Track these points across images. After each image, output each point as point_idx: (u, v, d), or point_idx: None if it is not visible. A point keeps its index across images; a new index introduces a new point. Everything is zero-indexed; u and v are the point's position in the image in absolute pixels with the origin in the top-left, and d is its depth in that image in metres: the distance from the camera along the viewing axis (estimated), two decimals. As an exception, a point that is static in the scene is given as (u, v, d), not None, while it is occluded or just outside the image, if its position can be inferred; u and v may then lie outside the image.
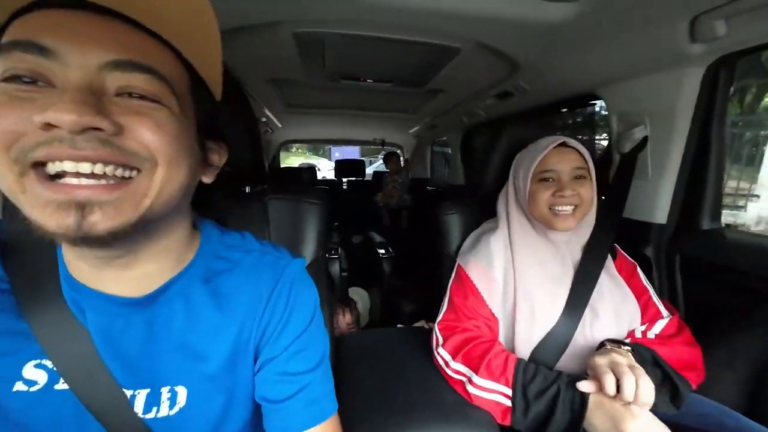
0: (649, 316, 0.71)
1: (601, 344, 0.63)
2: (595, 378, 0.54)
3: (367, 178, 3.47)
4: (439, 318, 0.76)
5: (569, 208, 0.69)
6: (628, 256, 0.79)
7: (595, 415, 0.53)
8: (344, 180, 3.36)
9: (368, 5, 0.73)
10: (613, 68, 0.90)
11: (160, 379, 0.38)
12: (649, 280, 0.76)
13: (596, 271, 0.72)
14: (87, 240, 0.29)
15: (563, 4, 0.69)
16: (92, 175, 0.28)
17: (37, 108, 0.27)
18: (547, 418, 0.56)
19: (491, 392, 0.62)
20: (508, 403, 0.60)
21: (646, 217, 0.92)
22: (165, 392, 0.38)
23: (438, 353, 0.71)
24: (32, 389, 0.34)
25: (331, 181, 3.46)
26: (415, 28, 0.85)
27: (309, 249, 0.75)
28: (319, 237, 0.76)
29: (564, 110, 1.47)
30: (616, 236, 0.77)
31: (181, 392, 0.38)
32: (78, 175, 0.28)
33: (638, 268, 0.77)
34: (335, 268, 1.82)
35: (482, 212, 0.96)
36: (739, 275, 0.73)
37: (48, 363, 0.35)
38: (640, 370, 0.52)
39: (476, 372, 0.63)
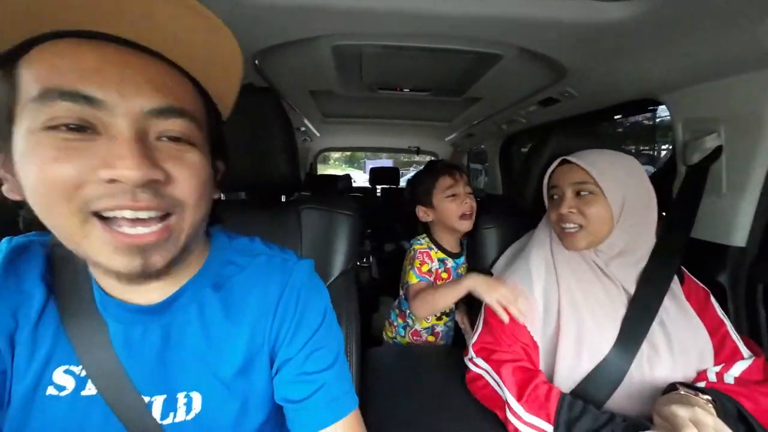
0: (725, 355, 0.61)
1: (672, 386, 0.54)
2: (666, 430, 0.47)
3: (401, 185, 3.46)
4: (474, 339, 0.71)
5: (573, 227, 0.66)
6: (699, 282, 0.69)
7: None
8: (378, 188, 3.38)
9: (406, 16, 0.72)
10: (680, 71, 0.80)
11: (175, 386, 0.39)
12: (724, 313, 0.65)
13: (656, 300, 0.63)
14: (146, 275, 0.33)
15: (624, 3, 0.63)
16: (141, 221, 0.31)
17: (95, 160, 0.28)
18: None
19: (528, 426, 0.56)
20: None
21: (721, 238, 0.80)
22: (181, 398, 0.39)
23: (475, 364, 0.67)
24: (62, 394, 0.36)
25: (365, 188, 3.50)
26: (454, 36, 0.82)
27: (340, 260, 0.75)
28: (350, 248, 0.76)
29: (617, 117, 1.35)
30: (682, 258, 0.68)
31: (196, 398, 0.39)
32: (134, 221, 0.31)
33: (711, 297, 0.66)
34: (366, 275, 1.82)
35: (521, 226, 0.90)
36: None
37: (75, 369, 0.37)
38: None
39: (518, 399, 0.58)
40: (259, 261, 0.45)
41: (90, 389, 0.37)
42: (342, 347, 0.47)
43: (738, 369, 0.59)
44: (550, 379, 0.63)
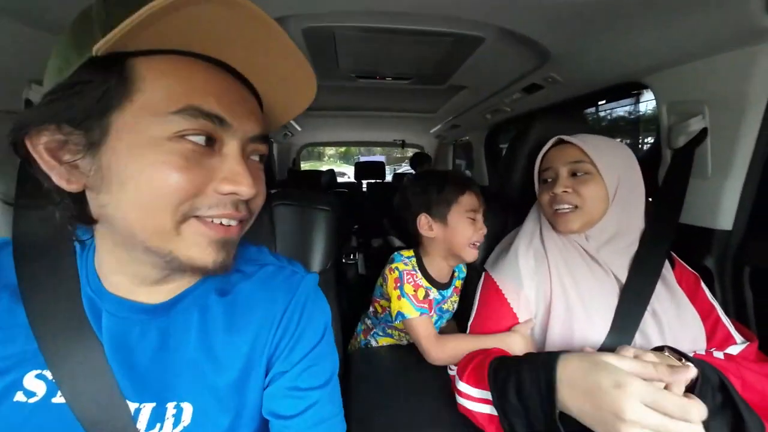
0: (717, 341, 0.59)
1: (659, 349, 0.51)
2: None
3: (388, 180, 3.42)
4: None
5: (567, 208, 0.63)
6: (688, 267, 0.68)
7: (573, 396, 0.41)
8: (364, 183, 3.32)
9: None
10: (665, 52, 0.78)
11: (167, 394, 0.37)
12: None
13: (648, 287, 0.61)
14: (223, 268, 0.35)
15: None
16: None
17: (212, 173, 0.33)
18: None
19: (479, 401, 0.53)
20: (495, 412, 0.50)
21: (707, 222, 0.79)
22: (171, 408, 0.37)
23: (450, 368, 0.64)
24: (31, 401, 0.34)
25: (350, 183, 3.44)
26: (433, 16, 0.78)
27: (316, 260, 0.70)
28: (328, 246, 0.71)
29: (601, 102, 1.33)
30: (671, 243, 0.66)
31: (187, 409, 0.37)
32: (228, 226, 0.35)
33: (702, 282, 0.65)
34: (352, 272, 1.78)
35: (507, 216, 0.87)
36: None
37: (48, 374, 0.34)
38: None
39: (460, 377, 0.56)
40: (266, 271, 0.45)
41: (61, 396, 0.34)
42: (336, 370, 0.45)
43: (732, 351, 0.58)
44: None
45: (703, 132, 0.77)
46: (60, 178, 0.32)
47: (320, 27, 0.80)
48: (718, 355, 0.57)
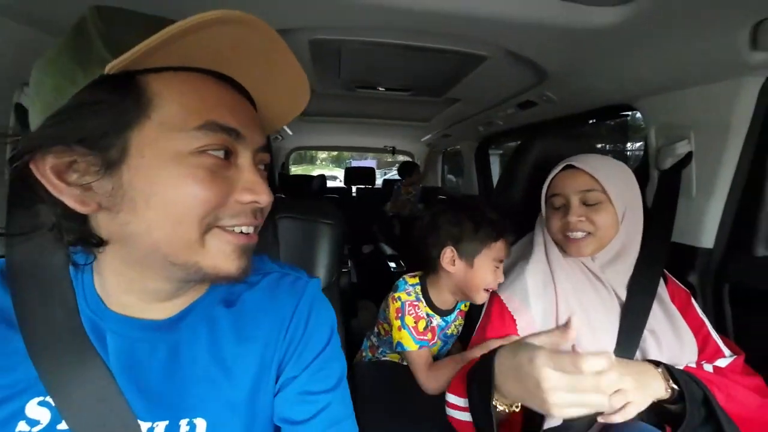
0: (707, 354, 0.62)
1: (654, 362, 0.56)
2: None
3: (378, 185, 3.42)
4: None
5: (580, 234, 0.64)
6: (680, 283, 0.71)
7: (506, 381, 0.47)
8: (354, 188, 3.31)
9: (388, 10, 0.68)
10: (655, 78, 0.82)
11: (180, 411, 0.36)
12: None
13: (646, 306, 0.64)
14: (244, 276, 0.36)
15: (610, 8, 0.63)
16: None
17: (232, 184, 0.34)
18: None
19: (462, 410, 0.55)
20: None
21: (690, 240, 0.84)
22: (184, 425, 0.36)
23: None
24: (34, 430, 0.33)
25: (340, 188, 3.42)
26: (439, 34, 0.79)
27: (321, 272, 0.69)
28: (333, 260, 0.70)
29: (591, 121, 1.39)
30: (665, 262, 0.70)
31: (200, 425, 0.37)
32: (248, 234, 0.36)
33: (692, 298, 0.68)
34: (345, 281, 1.76)
35: (504, 232, 0.89)
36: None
37: (51, 400, 0.34)
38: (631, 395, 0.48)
39: (449, 389, 0.58)
40: (270, 279, 0.45)
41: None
42: (345, 371, 0.46)
43: (720, 364, 0.61)
44: None
45: (689, 155, 0.82)
46: (74, 200, 0.31)
47: (327, 39, 0.80)
48: (708, 368, 0.60)
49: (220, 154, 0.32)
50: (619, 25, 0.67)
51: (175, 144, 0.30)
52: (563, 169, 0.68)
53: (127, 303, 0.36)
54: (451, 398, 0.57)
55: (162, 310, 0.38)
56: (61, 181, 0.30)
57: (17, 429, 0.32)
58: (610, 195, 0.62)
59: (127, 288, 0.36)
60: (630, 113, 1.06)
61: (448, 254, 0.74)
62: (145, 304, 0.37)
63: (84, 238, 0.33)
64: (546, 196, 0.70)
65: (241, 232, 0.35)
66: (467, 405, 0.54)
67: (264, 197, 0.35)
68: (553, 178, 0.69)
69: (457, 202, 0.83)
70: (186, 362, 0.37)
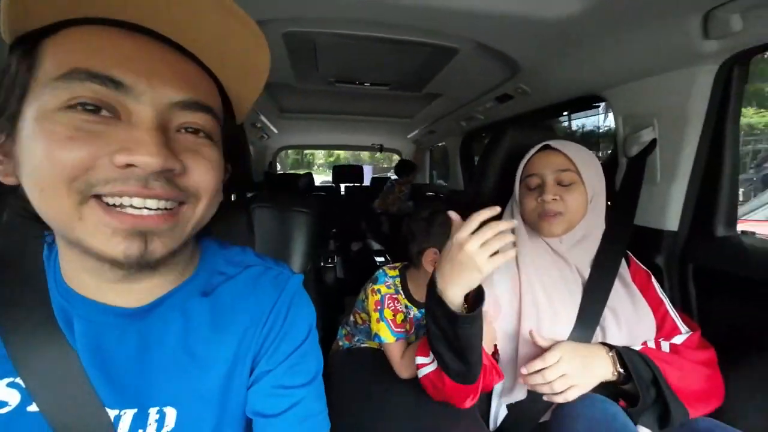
0: (665, 331, 0.65)
1: (606, 345, 0.61)
2: None
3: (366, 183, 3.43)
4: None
5: (554, 213, 0.66)
6: (641, 264, 0.74)
7: (444, 276, 0.53)
8: (342, 186, 3.31)
9: (360, 3, 0.69)
10: (619, 69, 0.85)
11: (149, 399, 0.35)
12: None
13: (607, 284, 0.66)
14: (142, 265, 0.31)
15: (565, 2, 0.65)
16: (148, 210, 0.30)
17: (112, 144, 0.28)
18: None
19: (428, 366, 0.60)
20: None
21: (656, 224, 0.87)
22: (153, 413, 0.35)
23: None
24: (3, 411, 0.32)
25: (328, 187, 3.42)
26: (411, 27, 0.81)
27: (297, 262, 0.70)
28: (307, 249, 0.71)
29: (565, 113, 1.43)
30: (627, 244, 0.72)
31: (170, 413, 0.36)
32: (141, 210, 0.30)
33: (653, 278, 0.71)
34: (330, 276, 1.77)
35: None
36: (761, 286, 0.68)
37: (21, 382, 0.33)
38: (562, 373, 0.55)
39: (417, 353, 0.63)
40: (251, 272, 0.43)
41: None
42: (320, 369, 0.45)
43: (677, 340, 0.64)
44: (514, 361, 0.65)
45: (653, 142, 0.86)
46: (2, 172, 0.30)
47: (301, 32, 0.81)
48: (665, 346, 0.63)
49: (95, 108, 0.28)
50: (580, 15, 0.69)
51: (43, 101, 0.27)
52: (540, 150, 0.70)
53: (86, 283, 0.35)
54: (419, 359, 0.61)
55: (126, 296, 0.36)
56: (3, 154, 0.30)
57: None
58: (583, 176, 0.65)
59: (80, 265, 0.34)
60: (600, 104, 1.10)
61: (430, 256, 0.76)
62: (103, 284, 0.35)
63: (32, 214, 0.31)
64: (521, 177, 0.71)
65: (131, 211, 0.29)
66: (432, 359, 0.58)
67: (144, 158, 0.27)
68: (529, 159, 0.71)
69: (451, 205, 0.84)
70: (156, 351, 0.36)
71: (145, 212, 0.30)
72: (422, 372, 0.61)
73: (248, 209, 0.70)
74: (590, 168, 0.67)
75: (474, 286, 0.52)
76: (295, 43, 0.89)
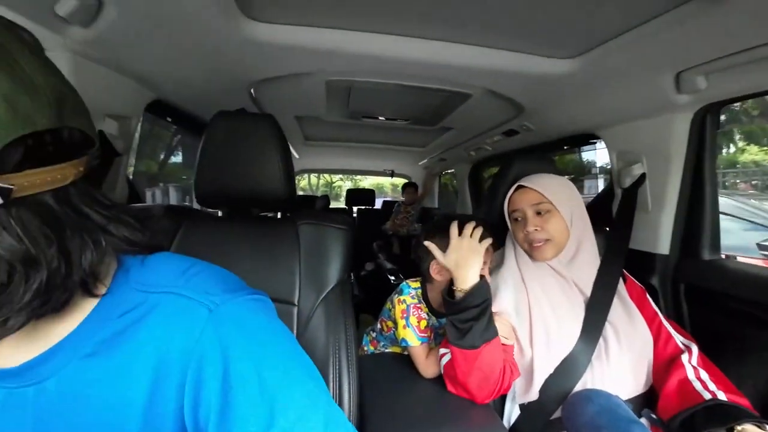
0: (662, 341, 0.74)
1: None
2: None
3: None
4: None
5: (540, 242, 0.76)
6: (636, 281, 0.84)
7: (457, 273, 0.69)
8: (355, 209, 3.46)
9: (392, 60, 0.86)
10: (611, 113, 1.00)
11: None
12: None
13: (607, 300, 0.75)
14: None
15: (562, 60, 0.81)
16: None
17: None
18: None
19: (447, 355, 0.69)
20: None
21: (651, 248, 0.97)
22: None
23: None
24: None
25: (342, 209, 3.57)
26: (432, 77, 0.97)
27: (335, 271, 0.81)
28: (344, 260, 0.83)
29: (566, 147, 1.57)
30: (623, 264, 0.82)
31: None
32: None
33: (647, 293, 0.81)
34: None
35: (494, 242, 1.02)
36: (741, 303, 0.77)
37: None
38: None
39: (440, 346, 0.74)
40: (166, 301, 0.32)
41: None
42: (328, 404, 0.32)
43: (694, 358, 0.70)
44: (531, 371, 0.73)
45: (643, 176, 0.98)
46: None
47: (340, 80, 0.98)
48: (694, 363, 0.69)
49: None
50: (571, 73, 0.85)
51: None
52: (516, 189, 0.82)
53: None
54: (442, 350, 0.71)
55: (6, 354, 0.29)
56: None
57: None
58: (556, 205, 0.76)
59: None
60: (597, 140, 1.24)
61: (434, 267, 0.86)
62: None
63: None
64: (508, 212, 0.84)
65: None
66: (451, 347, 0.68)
67: None
68: (510, 197, 0.83)
69: (443, 219, 0.93)
70: (52, 419, 0.29)
71: None
72: (443, 361, 0.70)
73: (295, 226, 0.82)
74: (562, 195, 0.77)
75: (477, 265, 0.69)
76: (334, 89, 1.06)
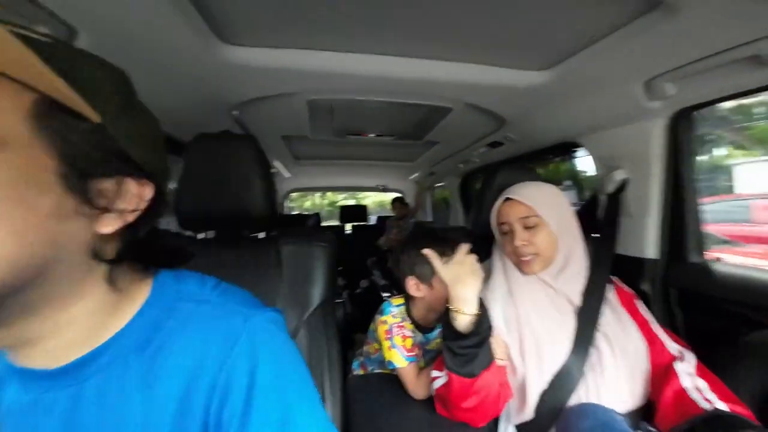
0: (656, 348, 0.72)
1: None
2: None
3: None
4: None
5: (528, 257, 0.75)
6: (625, 286, 0.82)
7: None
8: (348, 225, 3.45)
9: (370, 78, 0.87)
10: (589, 121, 1.02)
11: None
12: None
13: (596, 310, 0.74)
14: None
15: (536, 72, 0.83)
16: None
17: None
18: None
19: (440, 378, 0.67)
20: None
21: (638, 253, 0.97)
22: None
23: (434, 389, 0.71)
24: None
25: (335, 226, 3.56)
26: (412, 92, 0.99)
27: (318, 291, 0.79)
28: (327, 278, 0.81)
29: (552, 156, 1.59)
30: (611, 270, 0.81)
31: None
32: None
33: (636, 299, 0.80)
34: (339, 312, 1.82)
35: (480, 251, 1.01)
36: (731, 305, 0.76)
37: None
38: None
39: (432, 369, 0.72)
40: (202, 310, 0.35)
41: None
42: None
43: (691, 366, 0.68)
44: (523, 388, 0.71)
45: (625, 181, 0.99)
46: None
47: (322, 99, 0.99)
48: (691, 370, 0.67)
49: None
50: (546, 84, 0.86)
51: None
52: (504, 201, 0.80)
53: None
54: (434, 373, 0.69)
55: (42, 358, 0.31)
56: None
57: None
58: (544, 218, 0.74)
59: None
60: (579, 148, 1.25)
61: (410, 283, 0.85)
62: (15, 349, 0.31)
63: None
64: (496, 224, 0.82)
65: None
66: (444, 373, 0.65)
67: None
68: (498, 209, 0.81)
69: (416, 234, 0.94)
70: (82, 423, 0.31)
71: None
72: (435, 384, 0.67)
73: (277, 246, 0.81)
74: (550, 207, 0.75)
75: (476, 286, 0.67)
76: (316, 108, 1.07)
